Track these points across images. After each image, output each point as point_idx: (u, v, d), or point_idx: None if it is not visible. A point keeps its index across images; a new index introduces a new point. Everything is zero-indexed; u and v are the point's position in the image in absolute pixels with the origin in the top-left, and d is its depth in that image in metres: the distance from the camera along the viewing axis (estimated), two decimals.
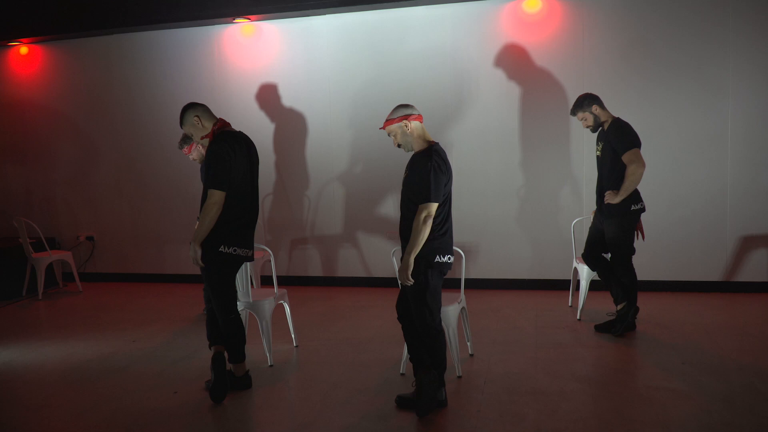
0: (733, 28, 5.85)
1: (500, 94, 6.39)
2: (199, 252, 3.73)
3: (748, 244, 6.03)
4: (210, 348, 4.00)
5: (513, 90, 6.36)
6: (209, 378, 4.02)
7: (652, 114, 6.04)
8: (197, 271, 6.66)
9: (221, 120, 3.93)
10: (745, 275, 6.06)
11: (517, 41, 6.30)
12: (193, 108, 3.91)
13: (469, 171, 6.49)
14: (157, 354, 4.86)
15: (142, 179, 7.53)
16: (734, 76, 5.90)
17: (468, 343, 4.54)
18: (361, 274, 6.97)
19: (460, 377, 4.08)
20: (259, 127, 6.95)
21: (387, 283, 6.75)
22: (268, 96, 7.00)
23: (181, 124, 3.93)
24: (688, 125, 6.02)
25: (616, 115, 4.88)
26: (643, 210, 4.79)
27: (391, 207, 6.71)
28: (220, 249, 3.76)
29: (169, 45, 7.23)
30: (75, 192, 7.82)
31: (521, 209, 6.46)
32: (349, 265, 7.00)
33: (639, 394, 3.77)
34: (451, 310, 4.07)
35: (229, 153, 3.74)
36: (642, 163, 4.58)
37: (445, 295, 4.10)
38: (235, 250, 3.81)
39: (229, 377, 3.95)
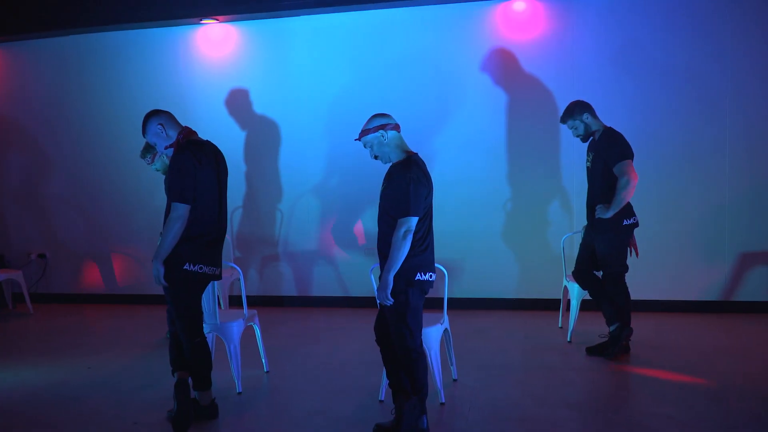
0: (732, 31, 5.99)
1: (486, 101, 6.48)
2: (162, 270, 3.73)
3: (749, 261, 6.14)
4: (173, 374, 3.98)
5: (499, 97, 6.45)
6: (172, 407, 4.00)
7: (645, 123, 6.15)
8: (160, 291, 6.63)
9: (187, 128, 3.94)
10: (745, 294, 6.17)
11: (504, 45, 6.40)
12: (156, 115, 3.92)
13: (452, 183, 6.54)
14: (115, 382, 4.81)
15: (100, 192, 7.48)
16: (733, 82, 6.03)
17: (451, 367, 4.57)
18: (338, 293, 6.98)
19: (443, 404, 4.11)
20: (228, 136, 6.95)
21: (365, 303, 6.76)
22: (238, 102, 7.02)
23: (144, 132, 3.94)
24: (683, 134, 6.14)
25: (608, 124, 4.97)
26: (636, 225, 4.87)
27: (369, 221, 6.74)
28: (184, 267, 3.76)
29: (130, 47, 7.23)
30: (25, 205, 7.74)
31: (508, 224, 6.53)
32: (324, 284, 7.01)
33: (633, 421, 3.81)
34: (433, 332, 4.10)
35: (194, 164, 3.75)
36: (634, 176, 4.66)
37: (427, 316, 4.13)
38: (201, 268, 3.81)
39: (194, 406, 3.93)
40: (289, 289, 7.11)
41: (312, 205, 6.96)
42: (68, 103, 7.46)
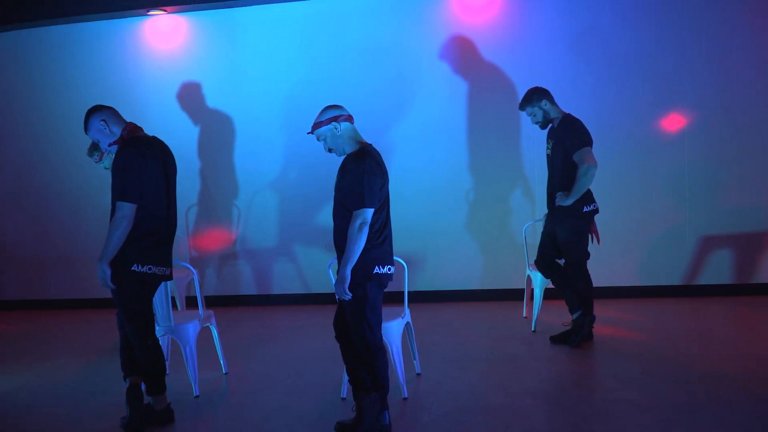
0: (690, 17, 6.09)
1: (445, 89, 6.48)
2: (108, 272, 3.64)
3: (710, 244, 6.26)
4: (125, 380, 3.91)
5: (458, 85, 6.46)
6: (125, 414, 3.93)
7: (604, 109, 6.23)
8: (110, 294, 6.52)
9: (131, 124, 3.86)
10: (707, 278, 6.29)
11: (462, 32, 6.40)
12: (98, 111, 3.83)
13: (412, 174, 6.54)
14: (66, 390, 4.71)
15: (48, 192, 7.30)
16: (692, 69, 6.13)
17: (414, 362, 4.56)
18: (299, 290, 6.94)
19: (405, 399, 4.10)
20: (181, 131, 6.85)
21: (327, 299, 6.72)
22: (190, 96, 6.91)
23: (86, 129, 3.85)
24: (642, 121, 6.23)
25: (567, 111, 5.00)
26: (596, 211, 4.91)
27: (329, 215, 6.68)
28: (132, 268, 3.68)
29: (76, 41, 7.06)
30: None
31: (470, 214, 6.54)
32: (285, 282, 6.96)
33: (596, 407, 3.86)
34: (394, 326, 4.08)
35: (139, 161, 3.67)
36: (594, 162, 4.70)
37: (388, 310, 4.12)
38: (150, 269, 3.74)
39: (148, 412, 3.87)
40: (248, 287, 7.04)
41: (270, 200, 6.89)
42: (12, 100, 7.26)
